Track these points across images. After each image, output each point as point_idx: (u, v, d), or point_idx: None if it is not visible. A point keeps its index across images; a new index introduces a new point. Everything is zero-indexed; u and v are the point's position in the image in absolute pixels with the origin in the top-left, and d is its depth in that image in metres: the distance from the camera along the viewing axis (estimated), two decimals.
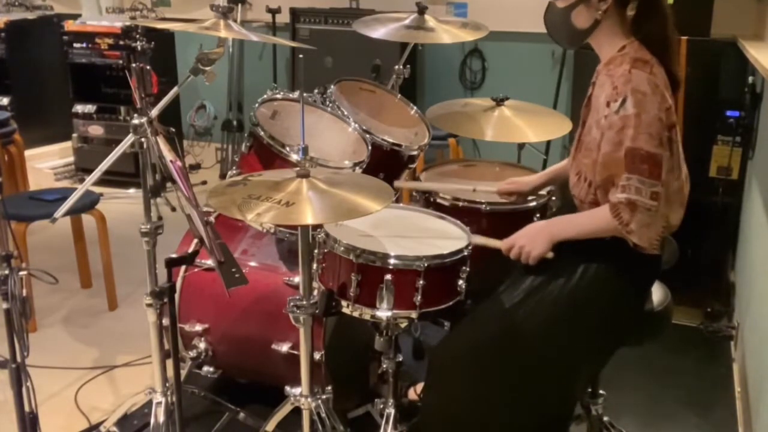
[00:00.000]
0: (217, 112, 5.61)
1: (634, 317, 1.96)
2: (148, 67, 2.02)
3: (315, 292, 1.98)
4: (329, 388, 2.16)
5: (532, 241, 1.90)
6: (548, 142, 4.17)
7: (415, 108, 2.80)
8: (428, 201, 2.42)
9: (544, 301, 1.88)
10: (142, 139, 2.00)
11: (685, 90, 3.29)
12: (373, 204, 1.74)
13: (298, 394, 2.02)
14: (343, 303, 1.95)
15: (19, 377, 1.93)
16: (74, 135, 5.16)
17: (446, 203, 2.35)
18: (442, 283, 1.94)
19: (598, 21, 1.84)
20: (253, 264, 2.47)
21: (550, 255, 1.88)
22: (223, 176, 5.21)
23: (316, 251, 2.01)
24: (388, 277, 1.88)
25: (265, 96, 2.54)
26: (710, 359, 3.05)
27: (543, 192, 2.38)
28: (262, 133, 2.33)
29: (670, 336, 2.15)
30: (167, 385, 2.21)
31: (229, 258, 1.74)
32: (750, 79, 3.40)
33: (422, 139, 2.67)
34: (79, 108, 5.13)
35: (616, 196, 1.75)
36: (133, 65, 2.00)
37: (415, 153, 2.60)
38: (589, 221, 1.85)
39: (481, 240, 2.04)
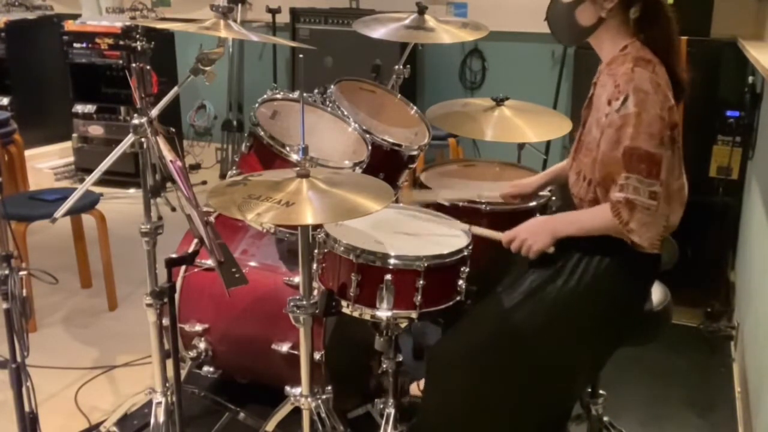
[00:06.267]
0: (217, 112, 5.61)
1: (634, 317, 1.96)
2: (148, 67, 2.02)
3: (315, 292, 1.98)
4: (329, 388, 2.16)
5: (533, 234, 1.90)
6: (548, 142, 4.17)
7: (415, 108, 2.80)
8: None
9: (543, 302, 1.88)
10: (142, 139, 2.00)
11: None
12: (373, 204, 1.73)
13: (298, 394, 2.02)
14: (343, 303, 1.95)
15: (19, 377, 1.93)
16: (74, 135, 5.16)
17: (446, 203, 2.35)
18: (442, 283, 1.94)
19: (603, 19, 1.84)
20: (253, 264, 2.47)
21: (551, 250, 1.88)
22: (223, 176, 5.21)
23: (316, 251, 2.01)
24: (388, 277, 1.88)
25: (265, 96, 2.54)
26: (710, 359, 3.05)
27: (544, 192, 2.38)
28: (262, 133, 2.32)
29: (670, 336, 2.15)
30: (167, 385, 2.21)
31: (229, 258, 1.74)
32: (750, 79, 3.40)
33: (422, 139, 2.67)
34: (79, 108, 5.13)
35: (615, 195, 1.75)
36: (133, 65, 2.00)
37: (415, 153, 2.60)
38: (590, 219, 1.85)
39: (481, 231, 2.04)
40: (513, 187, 2.32)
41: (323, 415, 2.06)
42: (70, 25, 5.03)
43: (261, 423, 2.20)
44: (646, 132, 1.71)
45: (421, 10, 2.75)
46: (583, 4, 1.84)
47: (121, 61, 4.93)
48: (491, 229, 2.04)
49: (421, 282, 1.88)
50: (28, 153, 4.61)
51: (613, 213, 1.76)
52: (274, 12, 5.02)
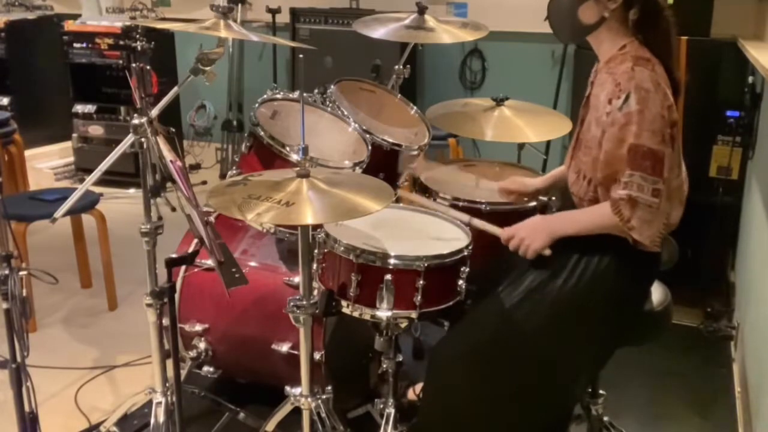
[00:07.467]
0: (217, 112, 5.61)
1: (634, 316, 1.96)
2: (148, 67, 2.02)
3: (315, 292, 1.98)
4: (329, 388, 2.16)
5: (532, 234, 1.90)
6: (548, 142, 4.16)
7: (415, 108, 2.80)
8: None
9: (543, 301, 1.88)
10: (142, 139, 2.00)
11: (685, 90, 3.28)
12: (373, 204, 1.74)
13: (298, 394, 2.02)
14: (343, 303, 1.95)
15: (19, 377, 1.93)
16: (74, 135, 5.16)
17: (446, 203, 2.35)
18: (442, 283, 1.94)
19: (605, 18, 1.84)
20: (253, 264, 2.47)
21: (548, 252, 1.88)
22: (223, 176, 5.21)
23: (316, 251, 2.01)
24: (388, 277, 1.88)
25: (265, 96, 2.54)
26: (710, 359, 3.05)
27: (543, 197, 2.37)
28: (262, 133, 2.32)
29: (670, 336, 2.15)
30: (167, 385, 2.21)
31: (229, 258, 1.74)
32: (750, 79, 3.40)
33: (422, 139, 2.67)
34: (79, 108, 5.13)
35: (618, 193, 1.76)
36: (133, 65, 2.00)
37: (415, 153, 2.60)
38: (589, 218, 1.85)
39: (481, 224, 2.04)
40: (512, 183, 2.32)
41: (323, 415, 2.06)
42: (70, 25, 5.03)
43: (261, 423, 2.20)
44: (649, 129, 1.72)
45: (421, 10, 2.75)
46: (587, 2, 1.84)
47: (121, 61, 4.92)
48: (491, 234, 2.04)
49: (421, 282, 1.88)
50: (28, 153, 4.61)
51: (614, 210, 1.76)
52: (274, 12, 5.02)
